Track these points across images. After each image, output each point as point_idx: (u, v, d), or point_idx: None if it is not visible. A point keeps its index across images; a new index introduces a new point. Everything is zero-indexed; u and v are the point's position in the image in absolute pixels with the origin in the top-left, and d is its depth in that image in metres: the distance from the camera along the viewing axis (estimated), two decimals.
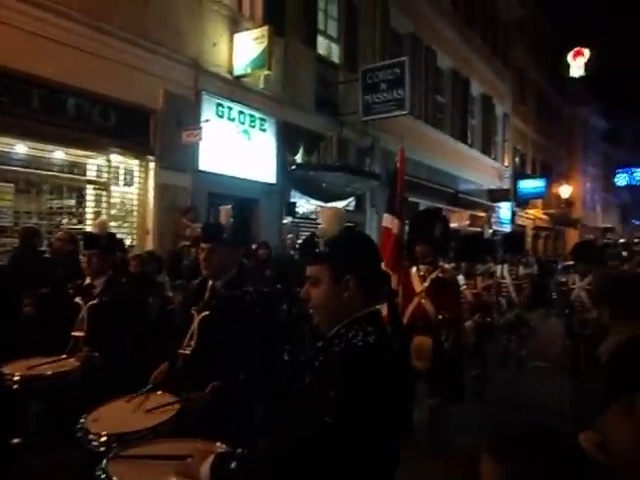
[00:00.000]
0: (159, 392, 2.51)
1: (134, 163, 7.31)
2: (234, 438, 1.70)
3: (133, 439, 2.01)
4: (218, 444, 1.80)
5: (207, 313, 2.67)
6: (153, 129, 7.29)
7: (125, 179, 7.34)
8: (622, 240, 30.05)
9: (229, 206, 2.88)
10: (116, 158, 7.12)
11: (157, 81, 7.19)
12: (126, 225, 7.36)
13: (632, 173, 29.94)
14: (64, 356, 3.02)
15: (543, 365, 7.91)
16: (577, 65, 29.48)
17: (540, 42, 26.37)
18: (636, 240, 26.60)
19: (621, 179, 30.70)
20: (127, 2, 6.78)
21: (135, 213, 7.36)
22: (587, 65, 29.40)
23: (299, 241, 9.33)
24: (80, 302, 3.28)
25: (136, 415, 2.26)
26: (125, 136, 6.90)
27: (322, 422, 1.36)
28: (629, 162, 37.07)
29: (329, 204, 10.51)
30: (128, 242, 7.05)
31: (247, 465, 1.45)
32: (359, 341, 1.47)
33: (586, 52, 29.36)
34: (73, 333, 3.18)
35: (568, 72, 29.49)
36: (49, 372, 2.82)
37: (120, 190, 7.27)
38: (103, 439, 2.03)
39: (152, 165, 7.31)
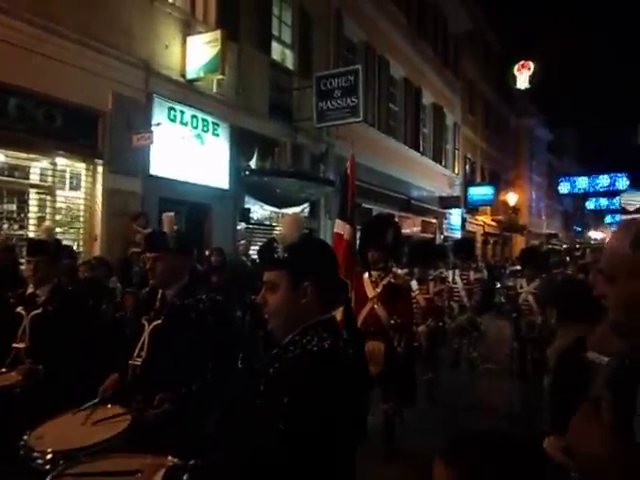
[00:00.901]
0: (108, 405, 2.42)
1: (81, 167, 7.06)
2: (187, 451, 1.65)
3: (80, 455, 1.92)
4: (169, 458, 1.74)
5: (158, 322, 2.60)
6: (102, 132, 7.08)
7: (71, 183, 7.07)
8: (565, 246, 31.43)
9: (172, 213, 2.81)
10: (62, 161, 6.85)
11: (106, 83, 6.99)
12: (72, 231, 7.09)
13: (574, 182, 31.34)
14: (4, 370, 2.87)
15: (493, 367, 8.13)
16: (522, 78, 30.69)
17: (488, 55, 27.35)
18: (577, 246, 27.87)
19: (564, 187, 32.09)
20: (76, 2, 6.57)
21: (82, 218, 7.10)
22: (532, 78, 30.65)
23: (253, 247, 9.26)
24: (22, 312, 3.11)
25: (83, 430, 2.17)
26: (72, 138, 6.67)
27: (275, 429, 1.34)
28: (571, 171, 38.85)
29: (283, 210, 10.50)
30: (74, 248, 6.79)
31: (200, 477, 1.41)
32: (314, 346, 1.46)
33: (531, 65, 30.60)
34: (14, 345, 3.02)
35: (515, 84, 30.66)
36: None
37: (66, 194, 7.00)
38: (48, 457, 1.93)
39: (100, 169, 7.08)
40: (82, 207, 7.09)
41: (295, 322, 1.56)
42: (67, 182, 7.02)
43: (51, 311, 3.11)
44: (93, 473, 1.71)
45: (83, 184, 7.08)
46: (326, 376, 1.39)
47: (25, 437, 2.06)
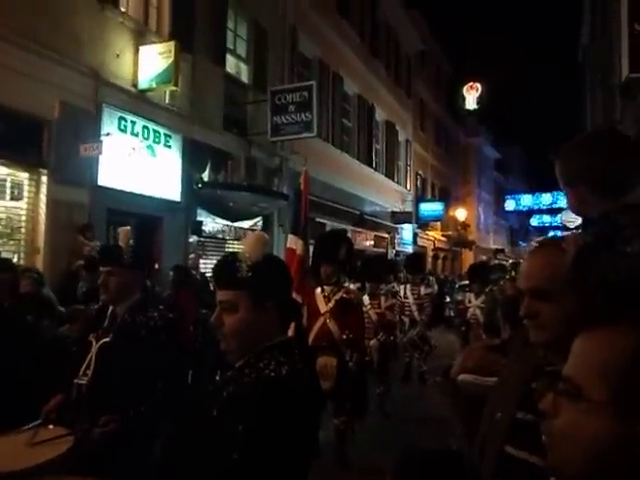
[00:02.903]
0: (50, 426, 2.31)
1: (24, 176, 6.76)
2: (131, 476, 1.59)
3: (21, 478, 1.83)
4: None
5: (106, 340, 2.50)
6: (47, 141, 6.81)
7: (13, 192, 6.75)
8: (511, 260, 32.51)
9: (128, 227, 2.74)
10: (2, 170, 6.55)
11: (53, 90, 6.75)
12: (12, 243, 6.75)
13: (519, 200, 32.56)
14: None
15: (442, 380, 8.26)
16: (471, 99, 31.85)
17: (439, 75, 28.30)
18: (521, 260, 28.80)
19: (510, 205, 33.26)
20: (20, 5, 6.33)
21: (24, 230, 6.78)
22: (480, 99, 31.85)
23: (204, 261, 9.12)
24: None
25: (24, 451, 2.06)
26: (14, 147, 6.37)
27: (229, 459, 1.30)
28: (517, 189, 40.40)
29: (236, 223, 10.40)
30: (14, 261, 6.47)
31: None
32: (271, 372, 1.43)
33: (479, 87, 31.80)
34: None
35: (463, 104, 31.77)
36: None
37: (6, 204, 6.67)
38: None
39: (45, 179, 6.80)
40: (24, 218, 6.77)
41: (253, 343, 1.52)
42: (8, 192, 6.70)
43: None
44: None
45: (26, 194, 6.77)
46: (282, 405, 1.36)
47: None
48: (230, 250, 10.43)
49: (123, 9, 8.12)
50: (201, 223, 9.56)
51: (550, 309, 1.16)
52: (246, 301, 1.51)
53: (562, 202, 32.51)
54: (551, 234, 43.48)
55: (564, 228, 34.04)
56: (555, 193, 31.75)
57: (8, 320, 3.11)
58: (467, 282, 10.04)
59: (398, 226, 20.62)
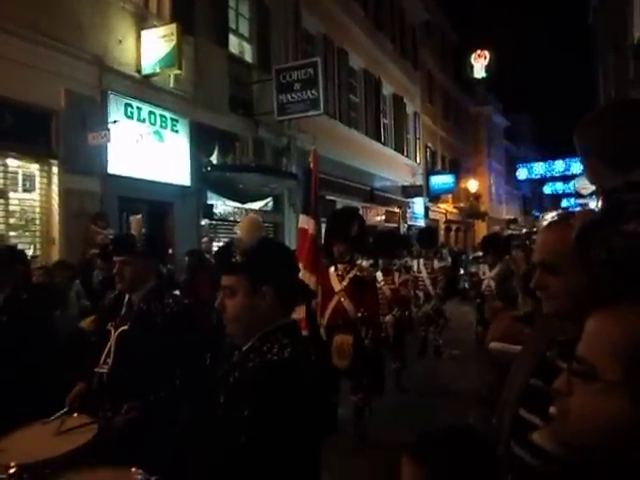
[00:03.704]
0: (75, 414, 2.36)
1: (34, 167, 6.81)
2: (156, 460, 1.63)
3: (46, 468, 1.87)
4: (134, 470, 1.71)
5: (125, 328, 2.54)
6: (55, 131, 6.83)
7: (25, 185, 6.79)
8: (525, 230, 32.25)
9: (139, 215, 2.76)
10: (13, 162, 6.59)
11: (57, 80, 6.74)
12: (27, 234, 6.83)
13: (531, 168, 32.09)
14: None
15: (458, 353, 8.31)
16: (479, 67, 31.24)
17: (445, 45, 27.74)
18: (534, 229, 28.61)
19: (522, 173, 32.82)
20: None
21: (38, 221, 6.85)
22: (488, 67, 31.24)
23: (217, 243, 9.17)
24: None
25: (49, 441, 2.11)
26: (23, 139, 6.41)
27: (237, 442, 1.32)
28: (528, 157, 39.83)
29: (246, 205, 10.41)
30: (30, 252, 6.54)
31: None
32: (274, 355, 1.44)
33: (487, 54, 31.17)
34: None
35: (472, 73, 31.19)
36: None
37: (19, 197, 6.72)
38: (12, 470, 1.86)
39: (55, 169, 6.84)
40: (37, 209, 6.84)
41: (255, 327, 1.54)
42: (20, 184, 6.75)
43: (4, 322, 2.99)
44: None
45: (38, 185, 6.82)
46: (286, 388, 1.38)
47: None
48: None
49: None
50: (212, 206, 9.57)
51: (559, 281, 1.21)
52: (243, 285, 1.54)
53: (575, 169, 32.02)
54: (565, 201, 43.02)
55: (578, 195, 33.64)
56: (567, 160, 31.27)
57: (25, 310, 3.16)
58: (481, 254, 10.02)
59: (409, 200, 20.50)
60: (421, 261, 8.51)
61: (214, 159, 9.43)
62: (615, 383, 0.69)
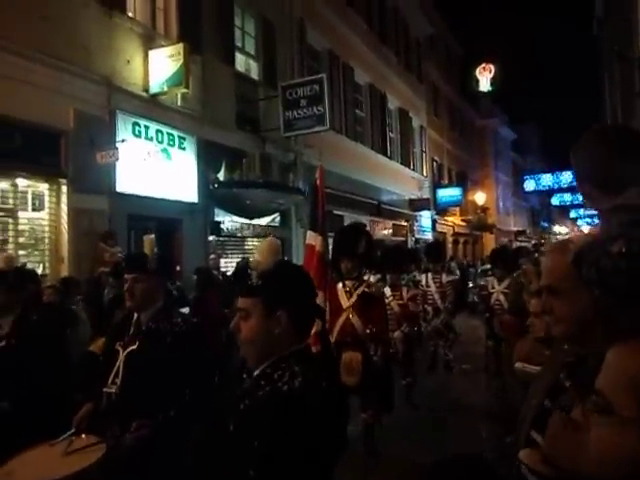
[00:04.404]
0: (83, 435, 2.35)
1: (44, 187, 6.88)
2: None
3: None
4: None
5: (133, 348, 2.53)
6: (64, 150, 6.91)
7: (34, 204, 6.86)
8: (533, 241, 32.10)
9: (152, 236, 2.76)
10: (23, 182, 6.66)
11: (66, 100, 6.83)
12: (37, 253, 6.89)
13: (539, 179, 32.01)
14: None
15: (468, 368, 8.23)
16: (484, 80, 31.35)
17: (450, 58, 27.89)
18: (542, 241, 28.46)
19: (529, 185, 32.73)
20: (30, 18, 6.39)
21: (47, 240, 6.91)
22: (493, 80, 31.34)
23: (224, 260, 9.19)
24: None
25: (57, 461, 2.10)
26: (32, 159, 6.48)
27: (246, 475, 1.31)
28: (535, 168, 39.72)
29: (254, 221, 10.44)
30: (40, 271, 6.59)
31: None
32: (284, 384, 1.43)
33: (492, 68, 31.29)
34: None
35: (477, 87, 31.30)
36: None
37: (29, 216, 6.79)
38: None
39: (65, 188, 6.92)
40: (47, 228, 6.90)
41: (268, 351, 1.53)
42: (29, 203, 6.81)
43: (14, 344, 2.98)
44: None
45: (47, 204, 6.89)
46: (295, 420, 1.36)
47: None
48: (249, 247, 10.50)
49: (130, 14, 8.16)
50: (219, 223, 9.61)
51: (563, 305, 1.25)
52: (259, 309, 1.53)
53: None
54: (573, 212, 42.70)
55: (586, 206, 33.50)
56: (575, 171, 31.20)
57: (36, 332, 3.15)
58: (489, 266, 9.95)
59: (416, 213, 20.47)
60: (429, 275, 8.46)
61: (221, 176, 9.49)
62: (631, 419, 0.67)
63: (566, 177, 31.48)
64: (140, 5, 8.48)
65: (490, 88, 31.46)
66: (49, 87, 6.58)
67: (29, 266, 6.51)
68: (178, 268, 7.99)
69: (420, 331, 7.68)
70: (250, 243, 10.63)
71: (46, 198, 6.90)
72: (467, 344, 9.48)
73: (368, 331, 4.63)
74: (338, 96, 14.07)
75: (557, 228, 46.88)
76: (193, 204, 8.92)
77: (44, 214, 6.90)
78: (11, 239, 6.53)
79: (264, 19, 11.26)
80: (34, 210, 6.86)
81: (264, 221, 10.92)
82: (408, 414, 6.05)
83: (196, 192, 9.01)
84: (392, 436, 5.07)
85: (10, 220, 6.55)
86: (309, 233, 4.92)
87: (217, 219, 9.61)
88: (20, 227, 6.65)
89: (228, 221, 9.90)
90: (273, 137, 10.85)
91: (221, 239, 9.79)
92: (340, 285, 4.83)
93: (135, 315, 2.66)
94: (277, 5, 11.68)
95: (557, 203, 39.81)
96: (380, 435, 4.92)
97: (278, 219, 11.53)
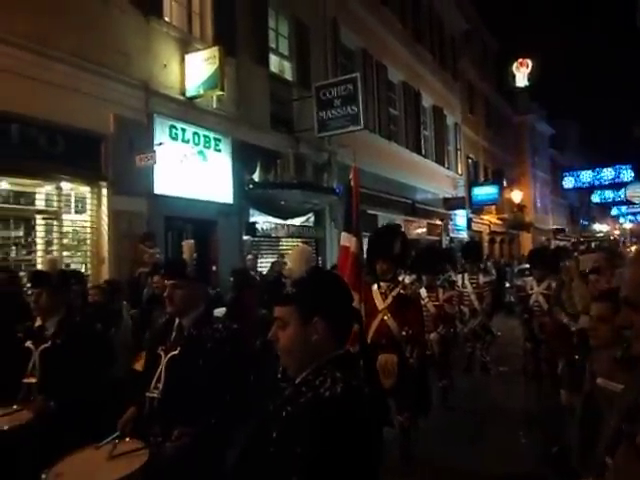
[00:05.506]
0: (127, 439, 2.39)
1: (86, 190, 7.08)
2: None
3: None
4: None
5: (175, 353, 2.56)
6: (105, 154, 7.10)
7: (77, 206, 7.08)
8: (573, 240, 31.25)
9: (191, 241, 2.79)
10: (67, 185, 6.87)
11: (106, 105, 7.01)
12: (79, 254, 7.11)
13: (578, 176, 31.18)
14: (15, 407, 2.80)
15: (507, 370, 8.07)
16: (521, 76, 30.65)
17: (485, 54, 27.38)
18: (582, 239, 27.68)
19: (568, 182, 31.93)
20: (70, 25, 6.58)
21: (89, 241, 7.11)
22: (530, 75, 30.60)
23: (260, 260, 9.26)
24: (31, 346, 3.07)
25: (102, 466, 2.15)
26: (75, 162, 6.68)
27: None
28: (574, 165, 38.67)
29: (288, 221, 10.49)
30: (82, 271, 6.81)
31: None
32: (326, 390, 1.42)
33: (529, 63, 30.57)
34: (25, 380, 2.98)
35: (513, 82, 30.63)
36: (6, 427, 2.58)
37: (72, 218, 7.02)
38: None
39: (105, 191, 7.10)
40: (88, 230, 7.11)
41: (308, 359, 1.52)
42: (72, 206, 7.03)
43: (60, 344, 3.06)
44: None
45: (88, 207, 7.09)
46: (338, 427, 1.35)
47: (43, 476, 2.04)
48: (284, 248, 10.57)
49: (167, 19, 8.31)
50: (254, 223, 9.70)
51: None
52: (295, 317, 1.52)
53: (625, 176, 30.92)
54: (615, 210, 41.35)
55: (628, 203, 32.39)
56: (617, 167, 30.21)
57: (80, 332, 3.24)
58: (526, 266, 9.71)
59: (451, 212, 20.19)
60: (466, 276, 8.31)
61: (256, 176, 9.57)
62: None
63: (607, 174, 30.55)
64: (176, 10, 8.64)
65: (527, 83, 30.71)
66: (91, 93, 6.76)
67: (72, 267, 6.76)
68: (214, 268, 8.10)
69: (456, 332, 7.57)
70: (285, 243, 10.69)
71: (88, 201, 7.10)
72: (504, 345, 9.29)
73: (404, 333, 4.59)
74: (372, 95, 14.00)
75: (597, 226, 45.46)
76: (228, 205, 9.02)
77: (86, 216, 7.11)
78: (56, 240, 6.76)
79: (297, 20, 11.30)
80: (77, 212, 7.08)
81: (298, 221, 10.97)
82: (444, 416, 5.98)
83: (231, 193, 9.11)
84: (427, 439, 5.01)
85: (55, 222, 6.77)
86: (343, 234, 4.90)
87: (252, 220, 9.70)
88: (64, 229, 6.88)
89: (263, 221, 9.98)
90: (307, 137, 10.88)
91: (256, 239, 9.87)
92: (375, 287, 4.80)
93: (177, 320, 2.68)
94: (310, 6, 11.70)
95: (598, 200, 38.67)
96: (415, 438, 4.87)
97: (312, 219, 11.56)
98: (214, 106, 8.75)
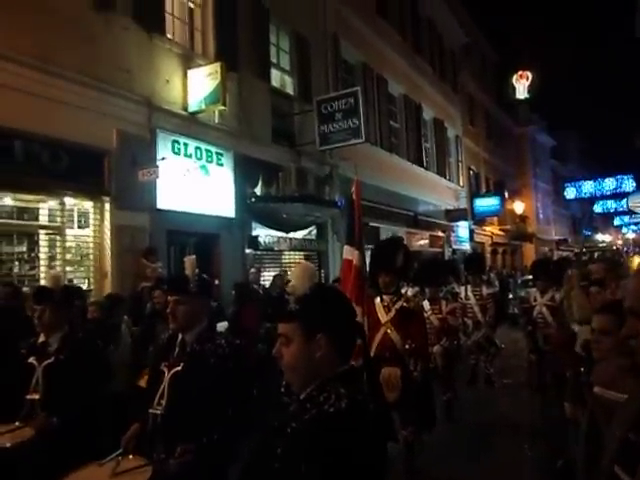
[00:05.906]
0: (130, 456, 2.39)
1: (89, 205, 7.11)
2: None
3: None
4: None
5: (178, 369, 2.56)
6: (107, 169, 7.13)
7: (80, 222, 7.11)
8: (576, 250, 31.15)
9: (193, 256, 2.80)
10: (70, 201, 6.90)
11: (109, 121, 7.07)
12: (82, 269, 7.12)
13: (580, 187, 31.14)
14: (18, 423, 2.80)
15: (511, 382, 8.02)
16: (521, 88, 30.82)
17: (485, 67, 27.58)
18: (584, 250, 27.53)
19: (570, 192, 31.86)
20: (73, 42, 6.65)
21: (91, 256, 7.13)
22: (530, 87, 30.78)
23: (262, 273, 9.25)
24: (34, 362, 3.07)
25: None
26: (78, 178, 6.71)
27: None
28: (575, 176, 38.67)
29: (291, 234, 10.50)
30: (85, 286, 6.82)
31: None
32: (330, 406, 1.42)
33: (529, 75, 30.75)
34: (28, 396, 2.97)
35: (514, 95, 30.79)
36: (8, 444, 2.57)
37: (75, 233, 7.04)
38: None
39: (108, 206, 7.12)
40: (91, 245, 7.12)
41: (311, 375, 1.52)
42: (75, 221, 7.05)
43: (63, 361, 3.05)
44: None
45: (91, 222, 7.11)
46: (342, 443, 1.34)
47: None
48: (286, 261, 10.56)
49: (169, 36, 8.40)
50: (257, 237, 9.71)
51: None
52: (298, 334, 1.52)
53: (627, 186, 30.89)
54: (617, 220, 41.24)
55: (631, 213, 32.34)
56: (619, 177, 30.17)
57: (83, 349, 3.24)
58: (530, 277, 9.68)
59: (453, 224, 20.20)
60: (469, 287, 8.29)
61: (258, 190, 9.60)
62: None
63: (609, 184, 30.50)
64: (178, 26, 8.74)
65: (527, 96, 30.88)
66: (93, 109, 6.82)
67: (75, 282, 6.77)
68: (217, 282, 8.10)
69: (460, 345, 7.54)
70: (287, 256, 10.70)
71: (91, 216, 7.12)
72: (508, 357, 9.25)
73: (407, 346, 4.57)
74: (373, 108, 14.08)
75: (600, 236, 45.36)
76: (231, 219, 9.04)
77: (89, 231, 7.13)
78: (59, 255, 6.77)
79: (298, 35, 11.41)
80: (80, 227, 7.11)
81: (300, 234, 10.98)
82: (448, 430, 5.94)
83: (233, 207, 9.13)
84: (431, 453, 4.97)
85: (58, 237, 6.79)
86: (346, 247, 4.90)
87: (254, 233, 9.71)
88: (67, 244, 6.89)
89: (265, 235, 9.99)
90: (309, 151, 10.93)
91: (258, 253, 9.88)
92: (378, 299, 4.79)
93: (179, 336, 2.68)
94: (311, 21, 11.82)
95: (600, 210, 38.58)
96: (419, 451, 4.83)
97: (314, 232, 11.57)
98: (216, 121, 8.80)
